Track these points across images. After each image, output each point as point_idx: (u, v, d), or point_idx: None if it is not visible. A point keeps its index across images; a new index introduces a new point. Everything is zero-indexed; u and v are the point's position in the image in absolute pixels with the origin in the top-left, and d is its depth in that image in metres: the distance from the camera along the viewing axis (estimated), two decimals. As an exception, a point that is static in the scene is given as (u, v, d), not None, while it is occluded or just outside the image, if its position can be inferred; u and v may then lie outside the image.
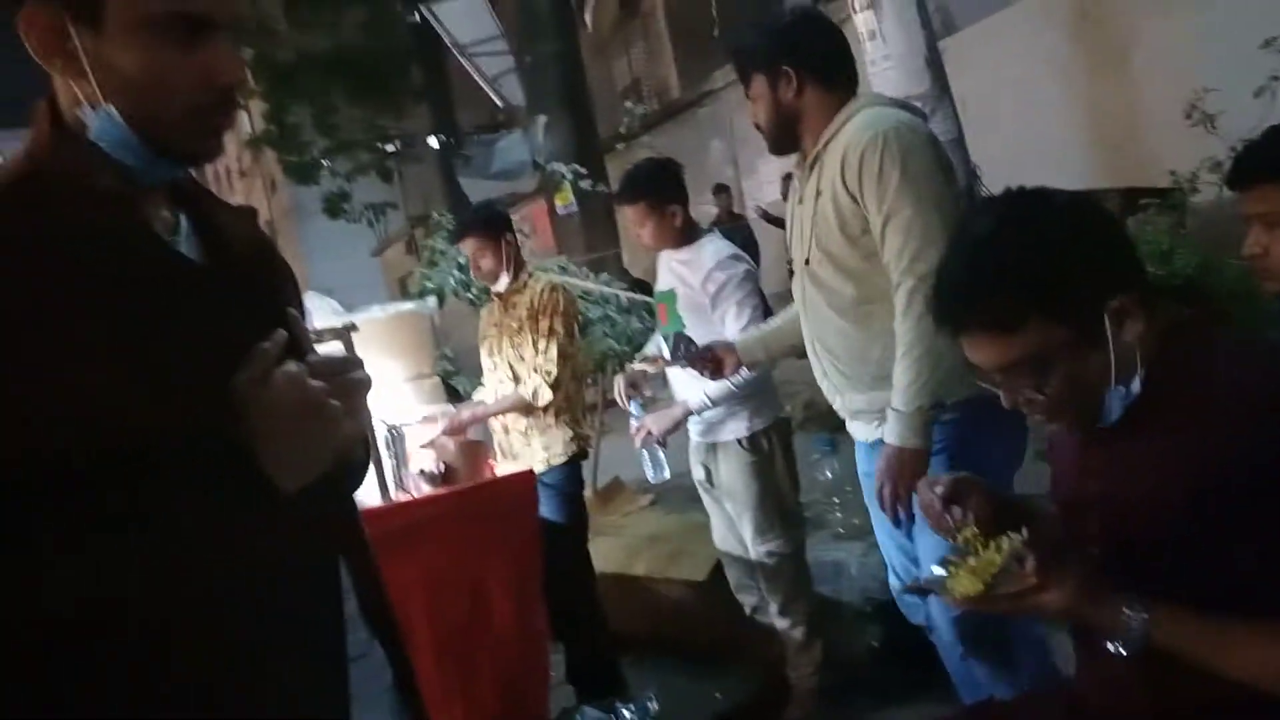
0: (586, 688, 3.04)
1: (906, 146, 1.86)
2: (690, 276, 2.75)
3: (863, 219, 1.90)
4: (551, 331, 3.01)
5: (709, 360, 2.41)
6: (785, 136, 2.02)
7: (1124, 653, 1.12)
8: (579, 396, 3.21)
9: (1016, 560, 1.16)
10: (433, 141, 13.79)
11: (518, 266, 3.14)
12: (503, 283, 3.13)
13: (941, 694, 2.71)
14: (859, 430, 2.12)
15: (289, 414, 0.88)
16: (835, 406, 2.17)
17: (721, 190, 9.61)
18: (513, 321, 3.09)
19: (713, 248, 2.80)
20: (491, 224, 3.12)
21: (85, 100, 0.90)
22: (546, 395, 3.00)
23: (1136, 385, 1.18)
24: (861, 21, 5.54)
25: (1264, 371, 1.15)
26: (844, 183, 1.90)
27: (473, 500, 2.67)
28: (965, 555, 1.20)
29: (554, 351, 3.00)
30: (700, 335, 2.68)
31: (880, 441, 1.95)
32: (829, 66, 1.97)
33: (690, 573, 3.25)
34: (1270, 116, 4.41)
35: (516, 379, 3.07)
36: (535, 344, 3.02)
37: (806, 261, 2.04)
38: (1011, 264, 1.15)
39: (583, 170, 8.22)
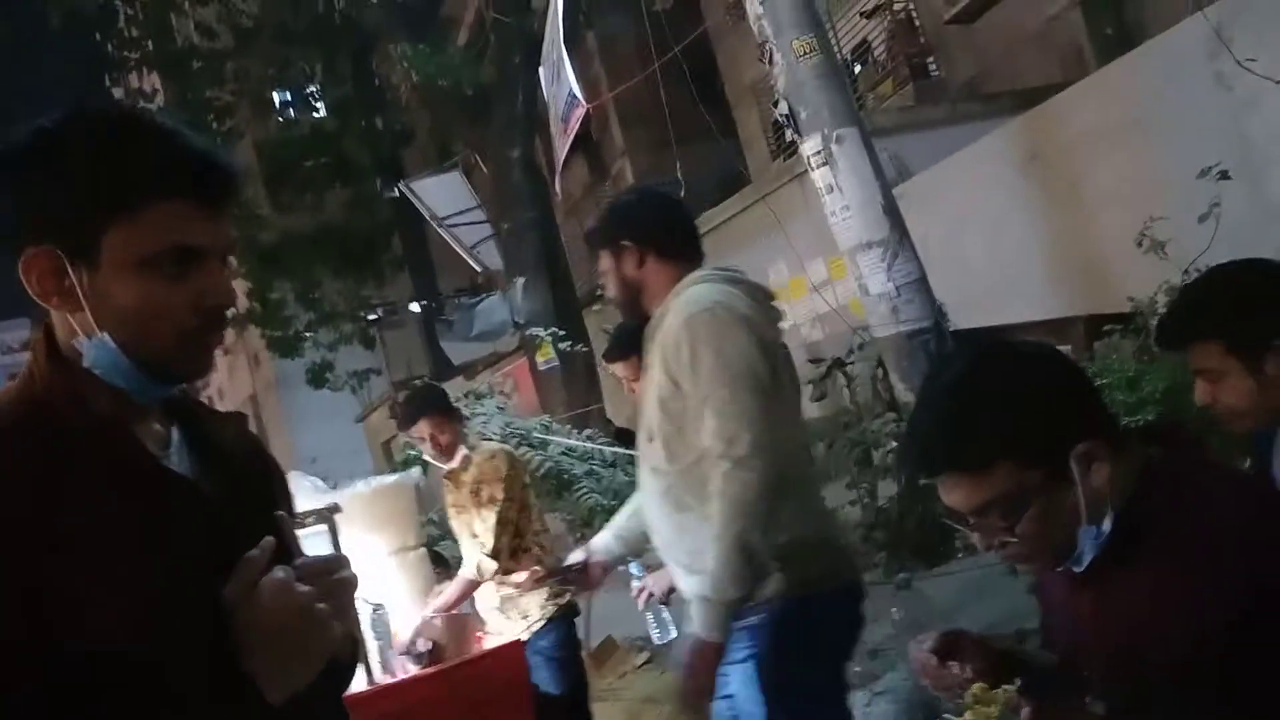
0: None
1: (719, 330, 1.87)
2: None
3: (679, 400, 1.91)
4: (490, 500, 3.00)
5: (577, 573, 2.33)
6: (632, 306, 2.09)
7: None
8: (546, 555, 3.16)
9: (1013, 711, 1.15)
10: (414, 307, 14.09)
11: (464, 444, 3.17)
12: (457, 459, 3.14)
13: None
14: None
15: (277, 622, 0.89)
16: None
17: (699, 338, 9.78)
18: (463, 499, 3.09)
19: None
20: (445, 401, 3.18)
21: (81, 331, 0.94)
22: (489, 567, 2.96)
23: (1107, 525, 1.20)
24: (819, 177, 5.83)
25: (1238, 509, 1.16)
26: (665, 364, 1.93)
27: (460, 678, 2.61)
28: (961, 712, 1.19)
29: (491, 520, 2.98)
30: None
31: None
32: (667, 240, 2.05)
33: None
34: (1216, 239, 4.62)
35: None
36: (479, 515, 3.01)
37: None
38: (979, 410, 1.20)
39: (561, 331, 8.42)
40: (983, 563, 4.76)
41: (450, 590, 3.07)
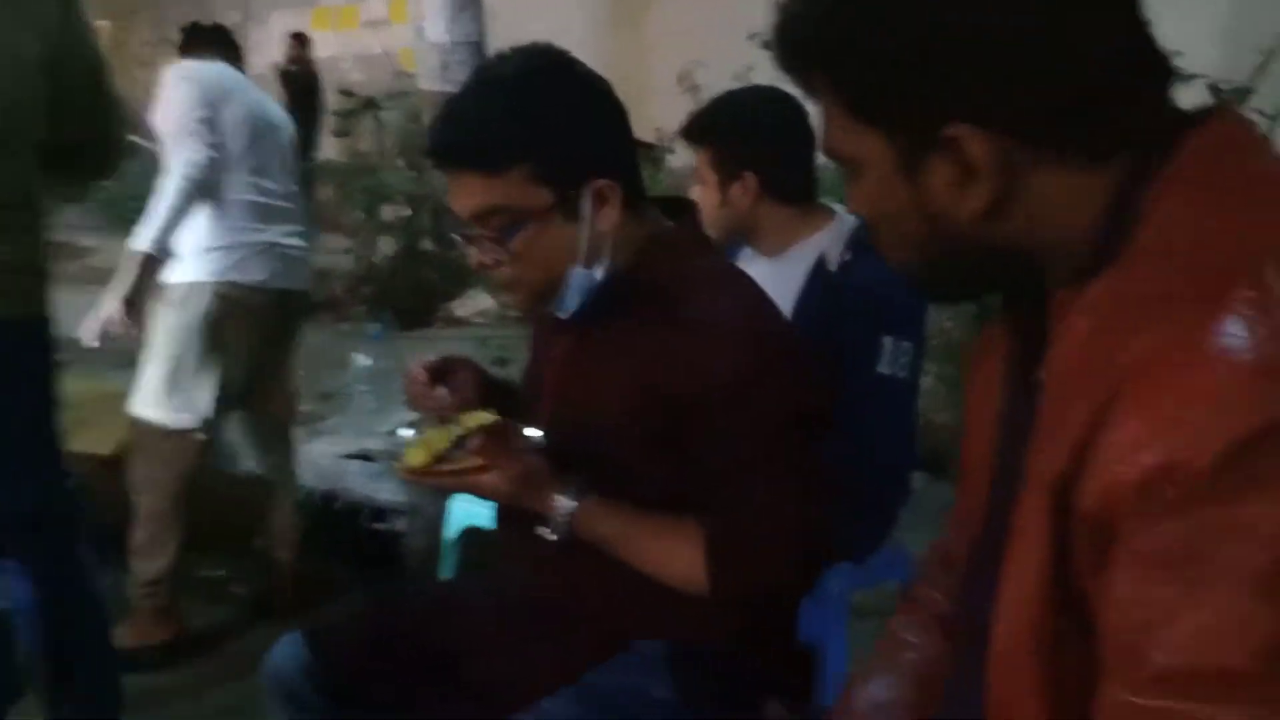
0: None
1: None
2: None
3: None
4: None
5: None
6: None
7: (552, 538, 1.14)
8: None
9: (468, 439, 1.14)
10: None
11: None
12: None
13: (371, 591, 2.67)
14: None
15: None
16: None
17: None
18: None
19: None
20: None
21: None
22: None
23: (599, 274, 1.16)
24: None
25: (724, 304, 1.17)
26: None
27: None
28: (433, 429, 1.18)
29: None
30: None
31: None
32: None
33: (95, 446, 2.77)
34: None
35: None
36: None
37: None
38: (514, 109, 1.11)
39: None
40: (452, 335, 4.90)
41: None
